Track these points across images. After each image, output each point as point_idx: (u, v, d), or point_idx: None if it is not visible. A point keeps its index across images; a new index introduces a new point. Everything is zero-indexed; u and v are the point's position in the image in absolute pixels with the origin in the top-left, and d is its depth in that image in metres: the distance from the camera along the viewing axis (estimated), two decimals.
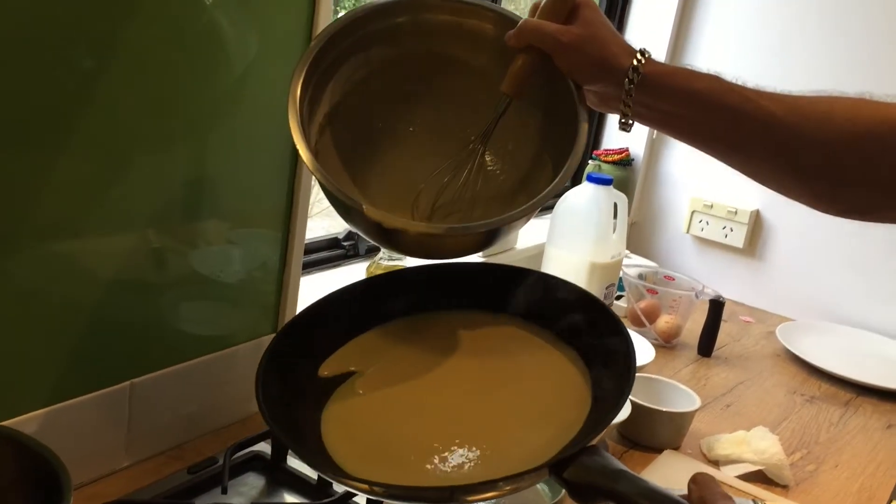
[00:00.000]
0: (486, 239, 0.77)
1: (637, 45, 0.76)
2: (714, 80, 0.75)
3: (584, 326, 0.77)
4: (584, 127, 0.76)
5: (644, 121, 0.78)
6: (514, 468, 0.62)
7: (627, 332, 0.72)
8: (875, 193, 0.74)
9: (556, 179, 0.74)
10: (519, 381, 0.77)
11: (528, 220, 0.78)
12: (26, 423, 0.77)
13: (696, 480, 0.56)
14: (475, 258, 1.41)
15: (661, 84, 0.74)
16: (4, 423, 0.75)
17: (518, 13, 0.81)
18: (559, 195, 1.69)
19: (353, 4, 1.42)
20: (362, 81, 0.82)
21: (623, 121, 0.78)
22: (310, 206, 1.52)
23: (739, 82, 0.75)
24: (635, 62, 0.74)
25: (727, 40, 1.85)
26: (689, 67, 0.76)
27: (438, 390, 0.76)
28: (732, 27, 1.84)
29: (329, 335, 0.79)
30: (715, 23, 1.87)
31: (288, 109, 0.73)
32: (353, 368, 0.77)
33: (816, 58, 1.72)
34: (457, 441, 0.70)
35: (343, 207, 0.74)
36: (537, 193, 0.74)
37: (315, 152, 0.73)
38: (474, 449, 0.70)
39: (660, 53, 1.86)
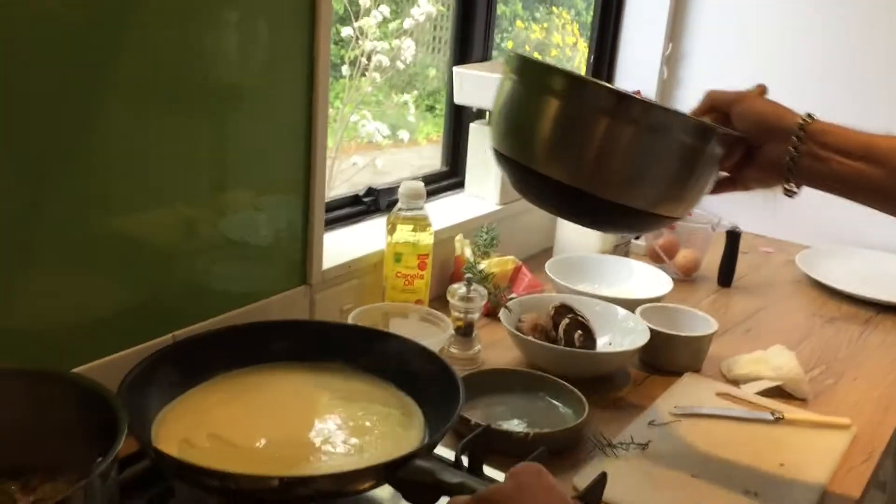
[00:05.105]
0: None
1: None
2: (887, 137, 0.81)
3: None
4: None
5: (813, 179, 0.83)
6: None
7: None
8: None
9: None
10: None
11: None
12: (81, 373, 0.83)
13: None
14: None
15: (830, 136, 0.81)
16: None
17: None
18: None
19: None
20: None
21: (787, 178, 0.82)
22: (332, 179, 1.57)
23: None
24: (804, 118, 0.81)
25: (724, 28, 1.81)
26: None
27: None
28: (732, 11, 1.83)
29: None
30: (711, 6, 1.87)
31: None
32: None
33: (812, 41, 1.74)
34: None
35: None
36: None
37: None
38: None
39: (656, 44, 1.81)
